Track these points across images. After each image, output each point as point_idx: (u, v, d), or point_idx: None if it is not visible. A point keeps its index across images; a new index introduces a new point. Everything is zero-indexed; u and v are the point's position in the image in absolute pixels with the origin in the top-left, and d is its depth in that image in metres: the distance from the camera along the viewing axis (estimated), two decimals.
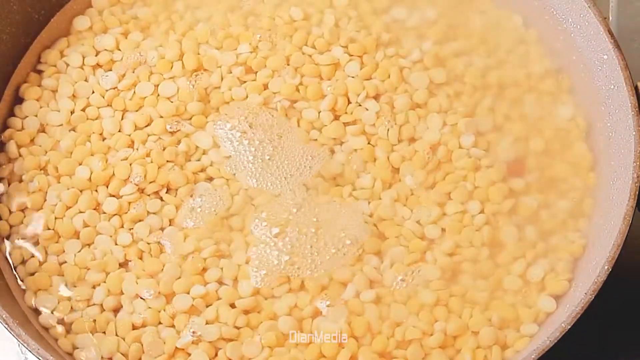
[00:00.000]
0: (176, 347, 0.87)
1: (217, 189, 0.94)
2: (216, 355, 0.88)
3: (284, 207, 0.92)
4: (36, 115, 0.98)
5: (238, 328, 0.88)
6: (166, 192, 0.94)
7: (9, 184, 0.95)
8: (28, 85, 1.00)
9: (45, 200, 0.94)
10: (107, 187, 0.94)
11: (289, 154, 0.94)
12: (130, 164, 0.95)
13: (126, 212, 0.93)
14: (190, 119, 0.97)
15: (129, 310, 0.90)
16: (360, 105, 0.97)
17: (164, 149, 0.95)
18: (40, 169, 0.96)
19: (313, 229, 0.91)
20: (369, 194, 0.94)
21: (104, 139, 0.97)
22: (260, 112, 0.96)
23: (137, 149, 0.96)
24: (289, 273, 0.90)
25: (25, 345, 0.84)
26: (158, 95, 0.98)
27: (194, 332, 0.87)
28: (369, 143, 0.96)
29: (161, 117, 0.97)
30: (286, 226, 0.91)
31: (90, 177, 0.95)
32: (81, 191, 0.94)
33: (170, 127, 0.96)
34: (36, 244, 0.93)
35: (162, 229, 0.93)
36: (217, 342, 0.88)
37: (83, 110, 0.98)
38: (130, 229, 0.92)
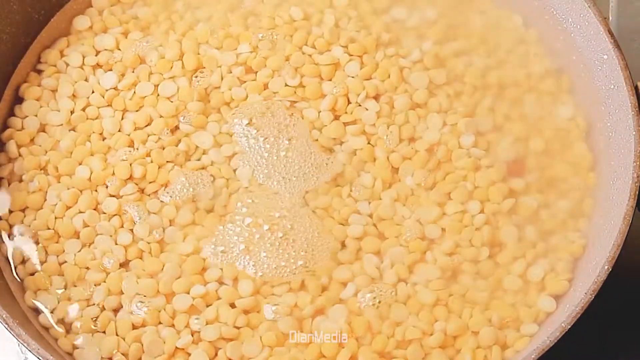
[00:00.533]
0: (176, 347, 0.87)
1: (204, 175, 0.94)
2: (216, 355, 0.88)
3: (272, 205, 0.92)
4: (36, 115, 0.98)
5: (238, 328, 0.88)
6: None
7: (9, 184, 0.95)
8: (28, 85, 1.00)
9: (45, 200, 0.94)
10: (107, 187, 0.94)
11: (303, 157, 0.94)
12: (131, 164, 0.95)
13: (126, 212, 0.93)
14: (179, 124, 0.97)
15: (129, 310, 0.90)
16: (360, 105, 0.97)
17: (163, 149, 0.95)
18: (40, 169, 0.96)
19: (281, 233, 0.91)
20: (369, 194, 0.94)
21: (104, 139, 0.97)
22: (277, 110, 0.96)
23: (137, 149, 0.96)
24: (237, 260, 0.90)
25: (25, 345, 0.84)
26: (158, 95, 0.98)
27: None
28: (368, 143, 0.96)
29: (161, 117, 0.97)
30: (261, 221, 0.91)
31: (90, 177, 0.95)
32: (81, 191, 0.94)
33: (184, 119, 0.96)
34: (36, 244, 0.93)
35: (163, 229, 0.93)
36: (217, 341, 0.88)
37: (83, 110, 0.98)
38: (130, 229, 0.93)
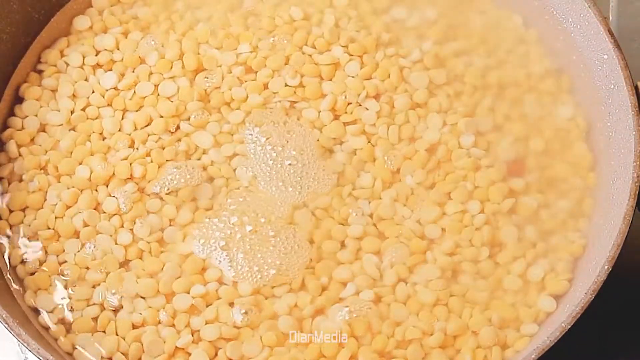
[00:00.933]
0: (176, 347, 0.87)
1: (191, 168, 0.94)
2: (216, 354, 0.88)
3: (262, 209, 0.92)
4: (36, 115, 0.98)
5: (238, 328, 0.88)
6: (166, 192, 0.94)
7: (9, 184, 0.95)
8: (28, 85, 1.00)
9: (45, 199, 0.94)
10: (107, 186, 0.94)
11: (305, 169, 0.94)
12: (131, 164, 0.95)
13: (126, 212, 0.93)
14: (189, 119, 0.97)
15: (129, 310, 0.90)
16: (360, 105, 0.97)
17: (163, 149, 0.95)
18: (40, 169, 0.96)
19: (262, 240, 0.91)
20: (369, 194, 0.94)
21: (104, 139, 0.97)
22: (288, 121, 0.96)
23: (137, 149, 0.96)
24: (214, 254, 0.90)
25: (25, 345, 0.84)
26: (158, 95, 0.98)
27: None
28: (369, 143, 0.96)
29: (161, 116, 0.97)
30: (246, 221, 0.91)
31: (90, 177, 0.95)
32: (81, 191, 0.94)
33: (195, 116, 0.96)
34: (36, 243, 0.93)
35: (162, 229, 0.93)
36: (217, 341, 0.88)
37: (83, 110, 0.98)
38: (130, 229, 0.93)
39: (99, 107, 0.98)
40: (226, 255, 0.91)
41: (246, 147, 0.95)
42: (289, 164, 0.94)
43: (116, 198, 0.93)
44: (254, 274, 0.90)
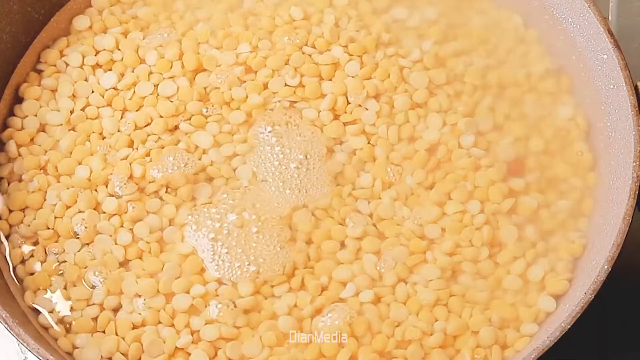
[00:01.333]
0: (176, 347, 0.87)
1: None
2: (216, 355, 0.88)
3: (255, 207, 0.92)
4: (36, 115, 0.98)
5: (238, 328, 0.88)
6: (166, 192, 0.94)
7: (8, 184, 0.95)
8: (28, 85, 1.00)
9: (45, 199, 0.94)
10: (107, 186, 0.94)
11: (307, 174, 0.94)
12: (130, 164, 0.95)
13: (126, 212, 0.93)
14: (190, 118, 0.97)
15: (128, 310, 0.90)
16: (360, 105, 0.97)
17: (162, 148, 0.95)
18: (40, 169, 0.96)
19: (247, 236, 0.91)
20: (369, 194, 0.94)
21: (103, 139, 0.97)
22: (300, 123, 0.96)
23: (137, 149, 0.96)
24: (202, 244, 0.91)
25: (25, 345, 0.84)
26: (158, 95, 0.98)
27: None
28: (368, 143, 0.96)
29: (161, 116, 0.97)
30: (240, 217, 0.91)
31: (89, 177, 0.95)
32: (81, 191, 0.94)
33: (207, 111, 0.96)
34: (36, 243, 0.93)
35: (162, 230, 0.93)
36: (216, 341, 0.88)
37: (83, 109, 0.98)
38: (130, 229, 0.93)
39: (98, 107, 0.98)
40: (212, 247, 0.91)
41: (255, 144, 0.95)
42: (295, 167, 0.94)
43: (113, 191, 0.93)
44: (235, 269, 0.90)
